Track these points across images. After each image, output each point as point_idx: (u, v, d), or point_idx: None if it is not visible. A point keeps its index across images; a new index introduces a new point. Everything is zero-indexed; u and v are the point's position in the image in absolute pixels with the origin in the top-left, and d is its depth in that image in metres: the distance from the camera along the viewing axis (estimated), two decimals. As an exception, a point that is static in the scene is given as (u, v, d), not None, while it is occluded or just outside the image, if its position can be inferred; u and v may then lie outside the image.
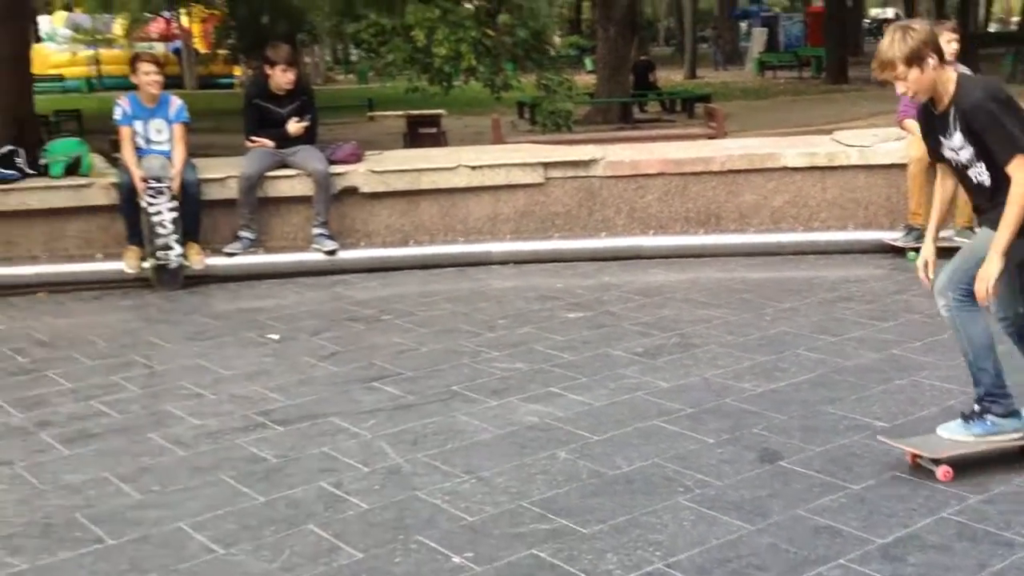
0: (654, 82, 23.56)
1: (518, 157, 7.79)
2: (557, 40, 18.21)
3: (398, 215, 7.45)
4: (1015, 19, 59.92)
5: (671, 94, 23.80)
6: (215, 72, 32.19)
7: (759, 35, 40.95)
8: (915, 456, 3.61)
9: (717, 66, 39.14)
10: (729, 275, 6.69)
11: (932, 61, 3.37)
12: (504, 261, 7.13)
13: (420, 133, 12.91)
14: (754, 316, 5.66)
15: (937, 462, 3.54)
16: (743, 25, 45.47)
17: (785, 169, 7.44)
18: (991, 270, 3.36)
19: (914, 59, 3.35)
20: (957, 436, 3.62)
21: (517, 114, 18.86)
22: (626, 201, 7.48)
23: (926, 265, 3.65)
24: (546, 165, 7.54)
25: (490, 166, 7.53)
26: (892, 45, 3.36)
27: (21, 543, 3.25)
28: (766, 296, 6.06)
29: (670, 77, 30.82)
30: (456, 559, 3.07)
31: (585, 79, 23.34)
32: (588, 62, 29.59)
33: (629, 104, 20.86)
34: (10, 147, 7.23)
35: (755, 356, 4.95)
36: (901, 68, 3.36)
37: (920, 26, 3.44)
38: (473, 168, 7.50)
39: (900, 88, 3.45)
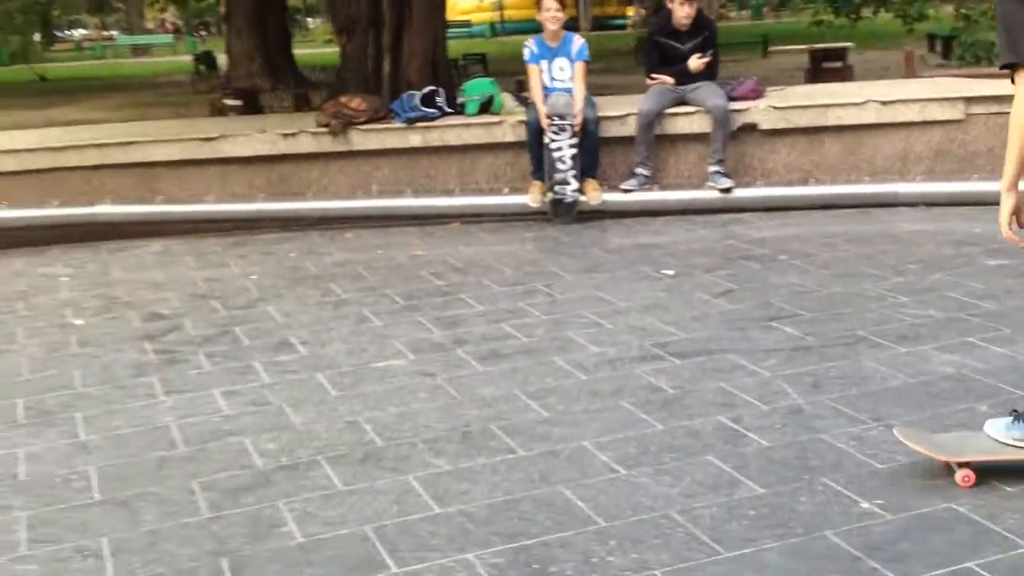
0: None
1: (935, 91, 7.24)
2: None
3: (798, 153, 7.19)
4: None
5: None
6: (608, 13, 32.81)
7: None
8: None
9: None
10: None
11: None
12: (914, 203, 6.68)
13: (823, 68, 12.32)
14: None
15: (960, 465, 3.00)
16: None
17: None
18: (1001, 210, 2.86)
19: None
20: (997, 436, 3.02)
21: (927, 48, 17.50)
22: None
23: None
24: (967, 100, 6.94)
25: (903, 101, 7.05)
26: None
27: (443, 447, 3.53)
28: None
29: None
30: (864, 504, 2.94)
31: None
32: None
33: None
34: (431, 88, 7.81)
35: None
36: None
37: None
38: (884, 103, 7.06)
39: None
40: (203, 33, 34.75)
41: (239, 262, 6.46)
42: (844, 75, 11.85)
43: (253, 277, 6.06)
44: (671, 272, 5.64)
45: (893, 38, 15.41)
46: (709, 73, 7.30)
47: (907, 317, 4.59)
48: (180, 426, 3.84)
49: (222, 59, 17.06)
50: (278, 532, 3.00)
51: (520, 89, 8.77)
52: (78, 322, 5.30)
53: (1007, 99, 7.18)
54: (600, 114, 7.19)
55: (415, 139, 7.52)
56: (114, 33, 37.77)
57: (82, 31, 37.08)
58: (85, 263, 6.60)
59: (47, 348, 4.90)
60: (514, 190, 7.30)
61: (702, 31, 7.36)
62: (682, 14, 7.21)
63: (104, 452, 3.64)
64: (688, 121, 7.22)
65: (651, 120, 7.17)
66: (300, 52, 16.33)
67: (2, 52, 22.50)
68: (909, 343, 4.26)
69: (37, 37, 22.55)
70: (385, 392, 4.09)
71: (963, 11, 12.68)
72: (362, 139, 7.52)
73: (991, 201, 6.37)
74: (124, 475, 3.43)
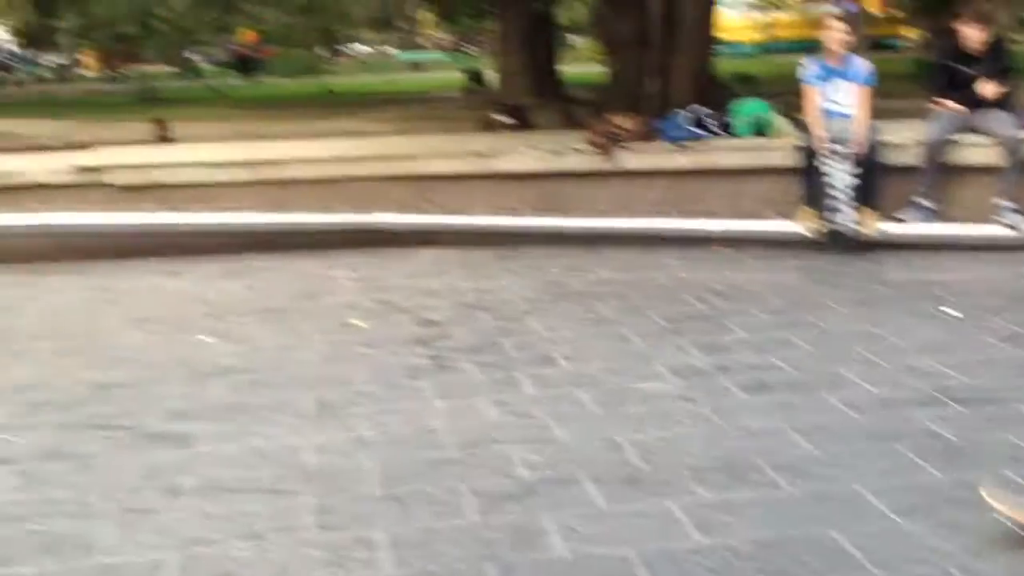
0: None
1: None
2: None
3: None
4: None
5: None
6: (881, 34, 31.42)
7: None
8: None
9: None
10: None
11: None
12: None
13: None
14: None
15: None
16: None
17: None
18: None
19: None
20: None
21: None
22: None
23: None
24: None
25: None
26: None
27: (707, 476, 3.49)
28: None
29: None
30: None
31: None
32: None
33: None
34: (700, 108, 7.76)
35: None
36: None
37: None
38: None
39: None
40: (472, 50, 36.09)
41: (506, 275, 6.66)
42: None
43: (514, 291, 6.23)
44: (955, 312, 5.32)
45: None
46: (1001, 101, 6.86)
47: None
48: (450, 430, 4.00)
49: (490, 76, 17.65)
50: (543, 543, 3.06)
51: (795, 110, 8.57)
52: (359, 323, 5.63)
53: None
54: (880, 140, 6.91)
55: (683, 160, 7.50)
56: (391, 49, 39.94)
57: (363, 46, 39.40)
58: (366, 267, 7.01)
59: (332, 345, 5.24)
60: (783, 216, 7.13)
61: (995, 55, 6.94)
62: (973, 37, 6.83)
63: (381, 449, 3.85)
64: (978, 152, 6.82)
65: (937, 148, 6.82)
66: (567, 70, 16.64)
67: (293, 65, 24.27)
68: None
69: (323, 52, 24.10)
70: (647, 414, 4.09)
71: None
72: (629, 159, 7.58)
73: None
74: (399, 473, 3.61)
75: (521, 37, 15.61)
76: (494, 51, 18.13)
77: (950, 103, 6.91)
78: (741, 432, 3.87)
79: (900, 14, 25.48)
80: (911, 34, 29.74)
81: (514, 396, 4.36)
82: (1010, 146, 6.66)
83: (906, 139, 6.99)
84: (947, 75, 7.06)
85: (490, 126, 11.16)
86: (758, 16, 34.64)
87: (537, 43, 15.76)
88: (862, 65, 7.04)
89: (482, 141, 9.00)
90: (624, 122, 7.80)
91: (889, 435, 3.77)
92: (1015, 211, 6.60)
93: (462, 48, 39.69)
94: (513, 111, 11.81)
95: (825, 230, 6.80)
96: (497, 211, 7.66)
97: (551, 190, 7.67)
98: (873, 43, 32.54)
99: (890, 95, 7.49)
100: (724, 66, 20.16)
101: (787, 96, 7.97)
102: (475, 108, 14.19)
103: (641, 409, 4.15)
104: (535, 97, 14.37)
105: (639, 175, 7.57)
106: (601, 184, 7.63)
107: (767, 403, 4.16)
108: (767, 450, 3.68)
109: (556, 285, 6.32)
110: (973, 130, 6.90)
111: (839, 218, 6.73)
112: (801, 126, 7.20)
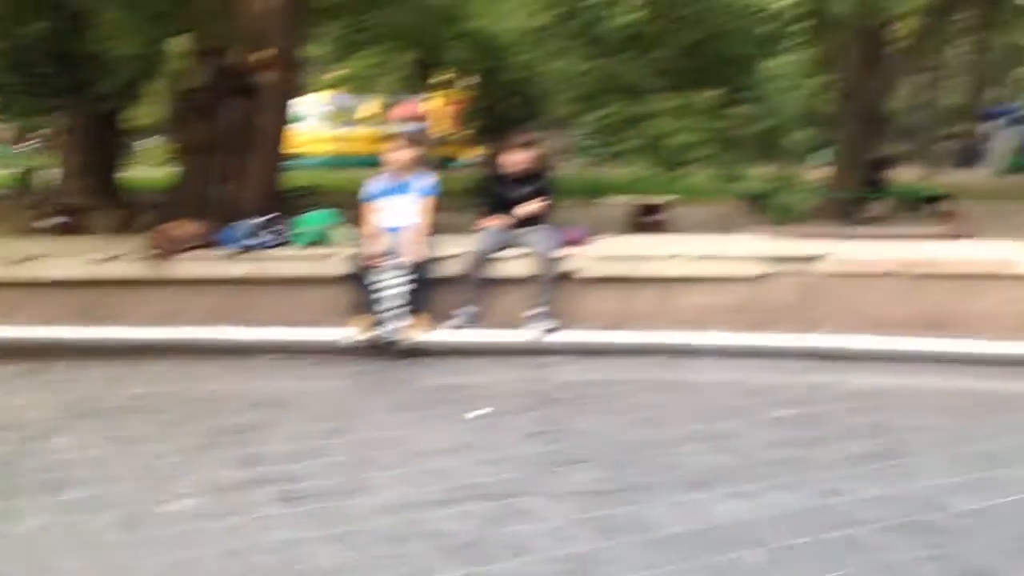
0: (886, 179, 22.79)
1: (740, 249, 7.71)
2: (796, 133, 17.94)
3: (613, 301, 7.50)
4: None
5: (905, 192, 22.87)
6: (446, 154, 33.68)
7: (1008, 136, 39.00)
8: None
9: (960, 166, 37.41)
10: (950, 383, 6.32)
11: None
12: (715, 354, 7.03)
13: (644, 220, 13.00)
14: (975, 428, 5.31)
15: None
16: (990, 124, 43.35)
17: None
18: None
19: None
20: None
21: (746, 205, 18.63)
22: (849, 299, 7.24)
23: None
24: (768, 259, 7.42)
25: (710, 257, 7.48)
26: None
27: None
28: (992, 409, 5.68)
29: (906, 175, 29.64)
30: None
31: (819, 173, 22.81)
32: (822, 155, 28.92)
33: (860, 200, 20.19)
34: (263, 217, 7.83)
35: (971, 471, 4.65)
36: None
37: None
38: (693, 258, 7.47)
39: None
40: (29, 146, 33.83)
41: (34, 390, 6.20)
42: (663, 227, 12.52)
43: (39, 408, 5.83)
44: (480, 412, 5.73)
45: (715, 194, 16.37)
46: (541, 219, 7.60)
47: (696, 464, 4.79)
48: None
49: (49, 175, 16.71)
50: None
51: (354, 223, 8.90)
52: None
53: (804, 259, 7.71)
54: (433, 253, 7.36)
55: (240, 269, 7.49)
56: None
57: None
58: None
59: None
60: (339, 324, 7.32)
61: (537, 177, 7.70)
62: (515, 159, 7.55)
63: None
64: (516, 264, 7.45)
65: (482, 260, 7.38)
66: (137, 173, 16.13)
67: None
68: (695, 489, 4.45)
69: None
70: (168, 537, 3.97)
71: (777, 174, 13.63)
72: (184, 266, 7.44)
73: (783, 355, 6.84)
74: None
75: (84, 136, 14.94)
76: (56, 149, 17.18)
77: (495, 220, 7.54)
78: (266, 546, 3.87)
79: (467, 135, 27.49)
80: (474, 154, 32.10)
81: (17, 527, 4.04)
82: (544, 260, 7.37)
83: (456, 251, 7.50)
84: (493, 195, 7.72)
85: (40, 228, 10.50)
86: (331, 130, 35.69)
87: (101, 143, 15.16)
88: (425, 178, 7.51)
89: (25, 245, 8.41)
90: (183, 229, 7.67)
91: (409, 537, 3.96)
92: (546, 318, 7.28)
93: (25, 144, 37.04)
94: (67, 213, 11.21)
95: (376, 338, 7.07)
96: (36, 321, 7.15)
97: (95, 298, 7.32)
98: (440, 161, 34.80)
99: (449, 210, 8.02)
100: (294, 177, 20.48)
101: (349, 209, 8.27)
102: (26, 208, 13.28)
103: (164, 532, 4.02)
104: (94, 199, 13.73)
105: (192, 283, 7.44)
106: (151, 292, 7.40)
107: (297, 514, 4.21)
108: (288, 562, 3.72)
109: (88, 400, 5.98)
110: (514, 245, 7.56)
111: (388, 326, 7.04)
112: (358, 238, 7.50)
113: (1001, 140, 38.41)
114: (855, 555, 3.75)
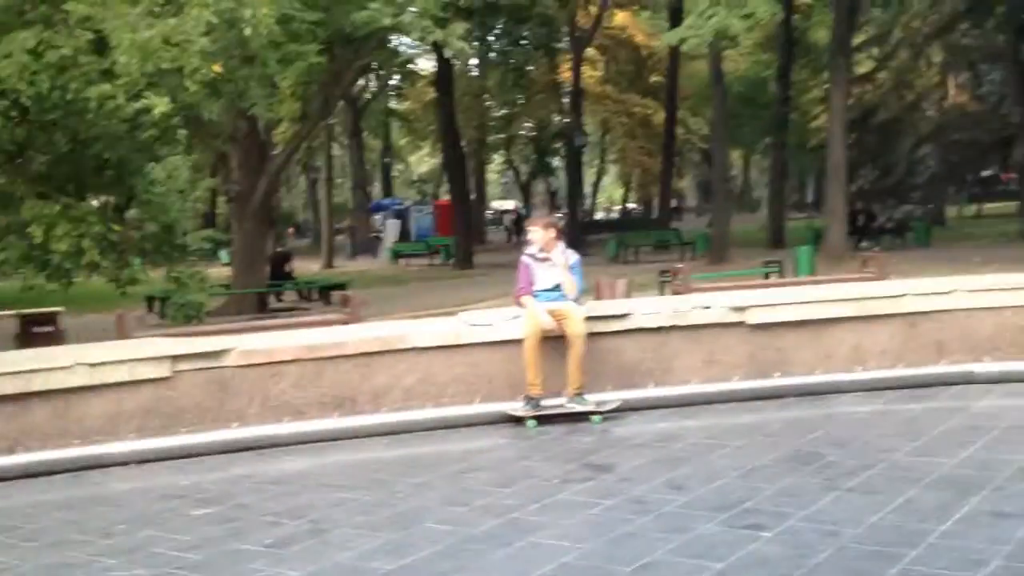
0: (290, 272, 23.77)
1: (143, 351, 7.43)
2: (189, 234, 17.98)
3: (5, 420, 6.79)
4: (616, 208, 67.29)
5: (308, 284, 24.04)
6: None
7: (392, 226, 43.12)
8: None
9: (353, 256, 40.40)
10: (363, 456, 6.69)
11: None
12: (126, 462, 6.67)
13: (34, 333, 12.05)
14: (387, 494, 5.65)
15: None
16: (377, 217, 47.50)
17: (416, 349, 7.63)
18: None
19: None
20: None
21: (147, 308, 18.16)
22: (260, 389, 7.32)
23: None
24: (174, 358, 7.24)
25: (111, 362, 7.11)
26: None
27: None
28: (398, 473, 6.09)
29: (308, 267, 31.24)
30: None
31: (221, 271, 23.07)
32: (223, 254, 29.33)
33: (265, 294, 20.80)
34: None
35: (387, 534, 4.93)
36: None
37: None
38: (92, 365, 7.04)
39: None
40: None
41: None
42: (55, 339, 11.71)
43: None
44: None
45: (111, 300, 15.70)
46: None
47: (116, 581, 4.49)
48: None
49: None
50: None
51: None
52: None
53: (211, 355, 7.70)
54: None
55: None
56: None
57: None
58: None
59: None
60: None
61: None
62: None
63: None
64: None
65: None
66: None
67: None
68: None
69: None
70: None
71: (174, 275, 13.43)
72: None
73: (199, 452, 6.71)
74: None
75: None
76: None
77: None
78: None
79: None
80: None
81: None
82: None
83: None
84: None
85: None
86: None
87: None
88: None
89: None
90: None
91: None
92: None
93: None
94: None
95: None
96: None
97: None
98: None
99: None
100: None
101: None
102: None
103: None
104: None
105: None
106: None
107: None
108: None
109: None
110: None
111: None
112: None
113: (389, 230, 42.38)
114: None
